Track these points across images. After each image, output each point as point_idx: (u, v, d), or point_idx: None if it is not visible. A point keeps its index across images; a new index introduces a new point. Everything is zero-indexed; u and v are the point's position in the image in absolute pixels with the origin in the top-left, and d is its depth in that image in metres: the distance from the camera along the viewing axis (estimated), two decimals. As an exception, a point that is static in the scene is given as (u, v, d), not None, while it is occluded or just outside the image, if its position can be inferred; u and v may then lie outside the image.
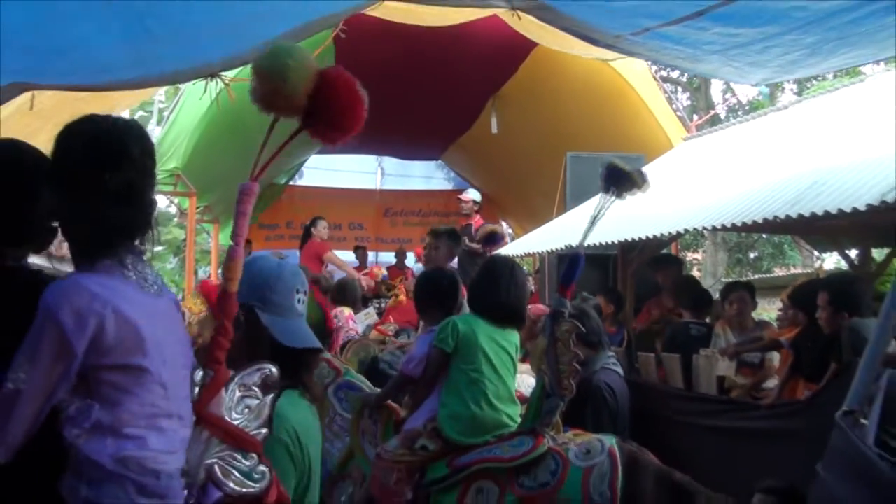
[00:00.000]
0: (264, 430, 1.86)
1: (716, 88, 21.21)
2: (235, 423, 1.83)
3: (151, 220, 1.80)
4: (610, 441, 3.16)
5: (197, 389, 1.84)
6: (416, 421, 3.43)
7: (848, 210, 3.96)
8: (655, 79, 9.43)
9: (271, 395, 1.90)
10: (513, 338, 3.52)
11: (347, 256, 12.65)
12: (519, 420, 3.46)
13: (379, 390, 3.76)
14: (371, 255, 13.05)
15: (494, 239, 5.33)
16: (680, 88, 21.13)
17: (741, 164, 6.53)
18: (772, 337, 5.41)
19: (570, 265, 3.50)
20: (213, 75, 4.82)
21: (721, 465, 4.34)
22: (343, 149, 12.55)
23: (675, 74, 19.98)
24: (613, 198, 3.40)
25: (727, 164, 6.95)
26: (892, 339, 3.39)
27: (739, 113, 9.21)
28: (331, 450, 3.58)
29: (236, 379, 1.87)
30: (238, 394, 1.86)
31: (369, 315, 7.58)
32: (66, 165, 1.71)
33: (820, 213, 4.14)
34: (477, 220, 9.27)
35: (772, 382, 5.38)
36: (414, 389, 3.65)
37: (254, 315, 2.15)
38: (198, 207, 9.84)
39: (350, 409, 3.71)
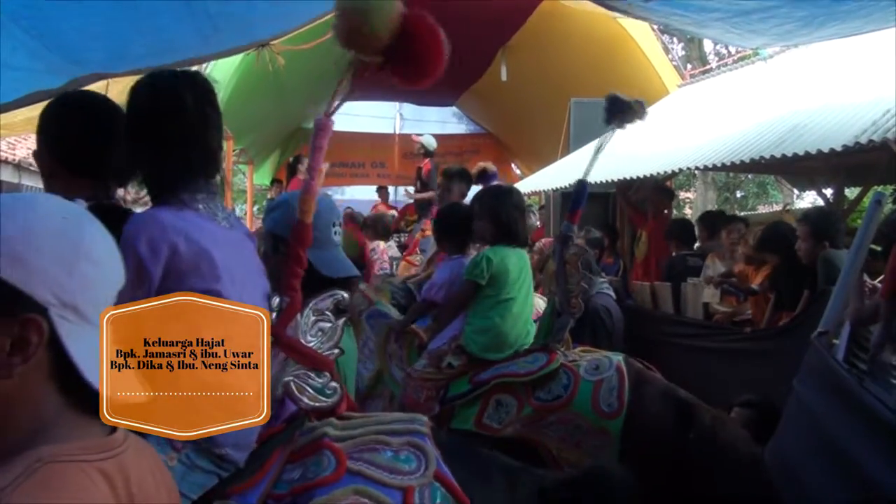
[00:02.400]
0: (336, 351, 1.88)
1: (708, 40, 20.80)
2: (310, 345, 1.85)
3: (216, 162, 1.80)
4: (617, 358, 3.16)
5: (275, 314, 1.85)
6: (441, 341, 3.42)
7: (826, 150, 3.96)
8: (653, 30, 9.28)
9: (342, 319, 1.91)
10: (525, 256, 3.49)
11: (370, 193, 12.66)
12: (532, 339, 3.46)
13: (403, 317, 3.78)
14: (392, 192, 13.02)
15: (486, 176, 5.31)
16: (675, 39, 20.73)
17: (730, 110, 6.49)
18: (740, 270, 5.37)
19: (576, 193, 3.47)
20: (262, 45, 4.82)
21: (704, 382, 4.39)
22: (364, 95, 12.52)
23: (671, 26, 19.58)
24: (616, 128, 3.37)
25: (718, 109, 6.90)
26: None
27: (729, 62, 9.08)
28: (362, 371, 3.60)
29: (311, 304, 1.88)
30: (312, 318, 1.87)
31: (390, 248, 7.65)
32: (132, 118, 1.75)
33: (801, 153, 4.14)
34: (425, 164, 8.92)
35: (750, 312, 5.40)
36: (437, 313, 3.64)
37: None
38: (234, 150, 9.83)
39: (378, 333, 3.74)
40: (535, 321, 3.61)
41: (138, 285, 1.57)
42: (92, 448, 0.94)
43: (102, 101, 1.95)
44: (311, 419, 1.85)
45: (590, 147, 6.98)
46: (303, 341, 1.86)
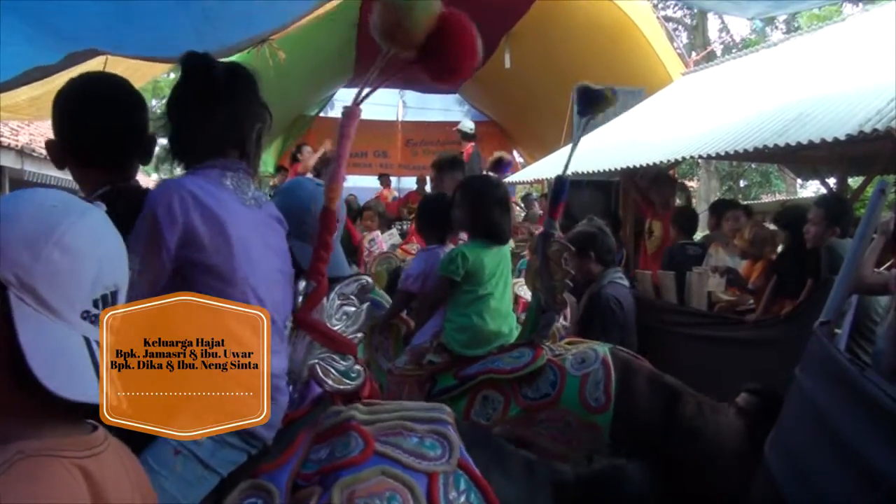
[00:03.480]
0: (360, 335, 1.91)
1: (712, 27, 20.78)
2: (335, 328, 1.87)
3: (249, 144, 1.82)
4: (603, 350, 3.13)
5: (301, 298, 1.87)
6: (422, 337, 3.41)
7: (829, 139, 3.94)
8: (658, 18, 9.25)
9: (367, 303, 1.94)
10: (505, 251, 3.47)
11: (372, 182, 12.63)
12: (515, 330, 3.44)
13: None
14: (394, 181, 13.00)
15: (502, 165, 5.22)
16: (680, 27, 20.66)
17: (734, 98, 6.47)
18: (747, 269, 5.37)
19: (555, 189, 3.46)
20: (262, 41, 4.83)
21: (706, 371, 4.39)
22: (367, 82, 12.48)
23: (675, 14, 19.56)
24: (591, 118, 3.34)
25: (722, 97, 6.87)
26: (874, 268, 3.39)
27: (734, 51, 9.05)
28: None
29: (336, 289, 1.91)
30: (338, 302, 1.90)
31: (392, 236, 7.65)
32: (173, 92, 1.79)
33: (804, 142, 4.12)
34: (467, 149, 8.74)
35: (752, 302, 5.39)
36: (417, 306, 3.63)
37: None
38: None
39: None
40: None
41: (153, 246, 1.60)
42: (73, 445, 0.96)
43: (116, 88, 1.90)
44: (336, 402, 1.88)
45: (593, 136, 6.99)
46: (328, 324, 1.88)
